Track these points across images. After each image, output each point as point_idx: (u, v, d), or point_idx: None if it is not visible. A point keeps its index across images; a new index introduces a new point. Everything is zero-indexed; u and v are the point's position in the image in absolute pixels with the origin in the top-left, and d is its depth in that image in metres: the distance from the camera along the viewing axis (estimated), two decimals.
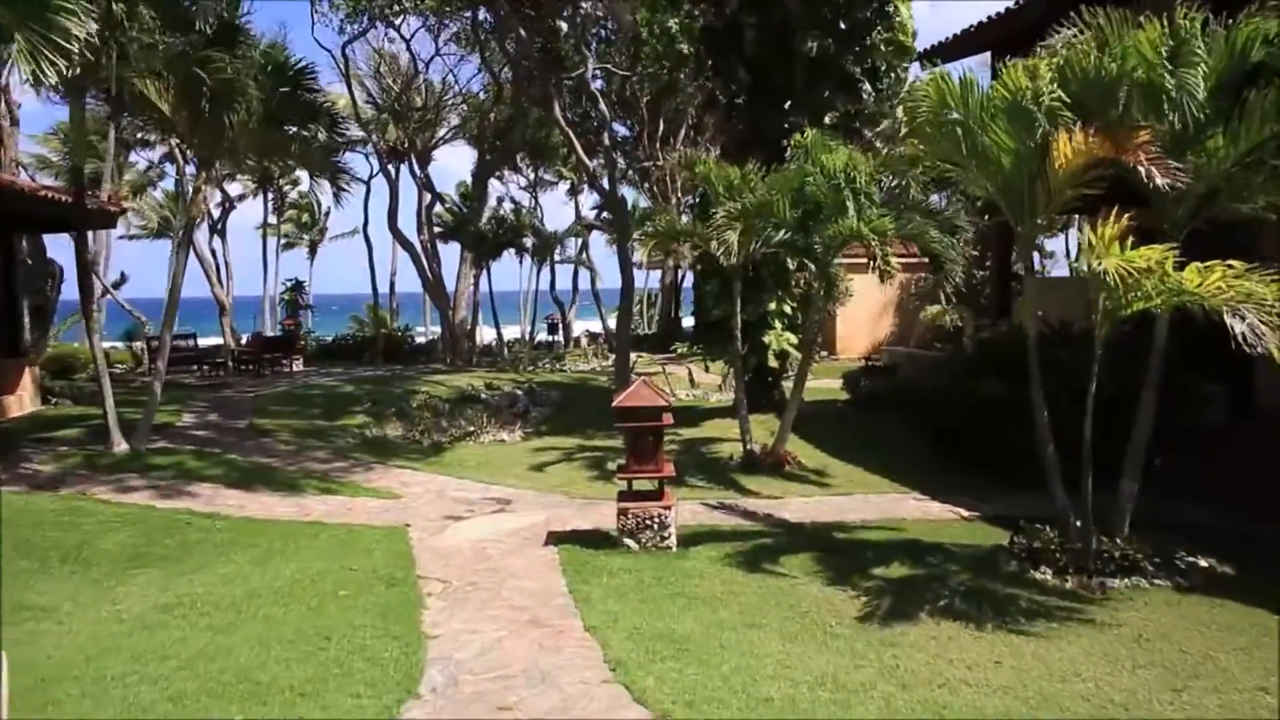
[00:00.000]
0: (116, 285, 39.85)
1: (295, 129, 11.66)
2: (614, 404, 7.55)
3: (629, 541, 7.67)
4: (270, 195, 40.08)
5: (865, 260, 10.68)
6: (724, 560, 7.50)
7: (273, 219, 43.09)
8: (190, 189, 12.37)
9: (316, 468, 11.10)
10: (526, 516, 9.07)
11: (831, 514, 9.30)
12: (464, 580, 7.05)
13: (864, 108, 14.21)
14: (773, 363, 14.75)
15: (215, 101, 9.84)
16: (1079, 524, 7.10)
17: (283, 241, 47.20)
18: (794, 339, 15.15)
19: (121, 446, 11.09)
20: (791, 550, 7.84)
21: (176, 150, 28.57)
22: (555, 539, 8.14)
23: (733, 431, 13.65)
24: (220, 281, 24.26)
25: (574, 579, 7.01)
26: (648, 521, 7.65)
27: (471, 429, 14.15)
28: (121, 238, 43.92)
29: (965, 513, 9.24)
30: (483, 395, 16.50)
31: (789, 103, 14.23)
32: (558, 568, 7.31)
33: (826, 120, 13.91)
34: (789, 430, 11.26)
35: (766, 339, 14.40)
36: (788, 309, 14.68)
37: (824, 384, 17.46)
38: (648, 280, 42.04)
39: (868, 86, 14.22)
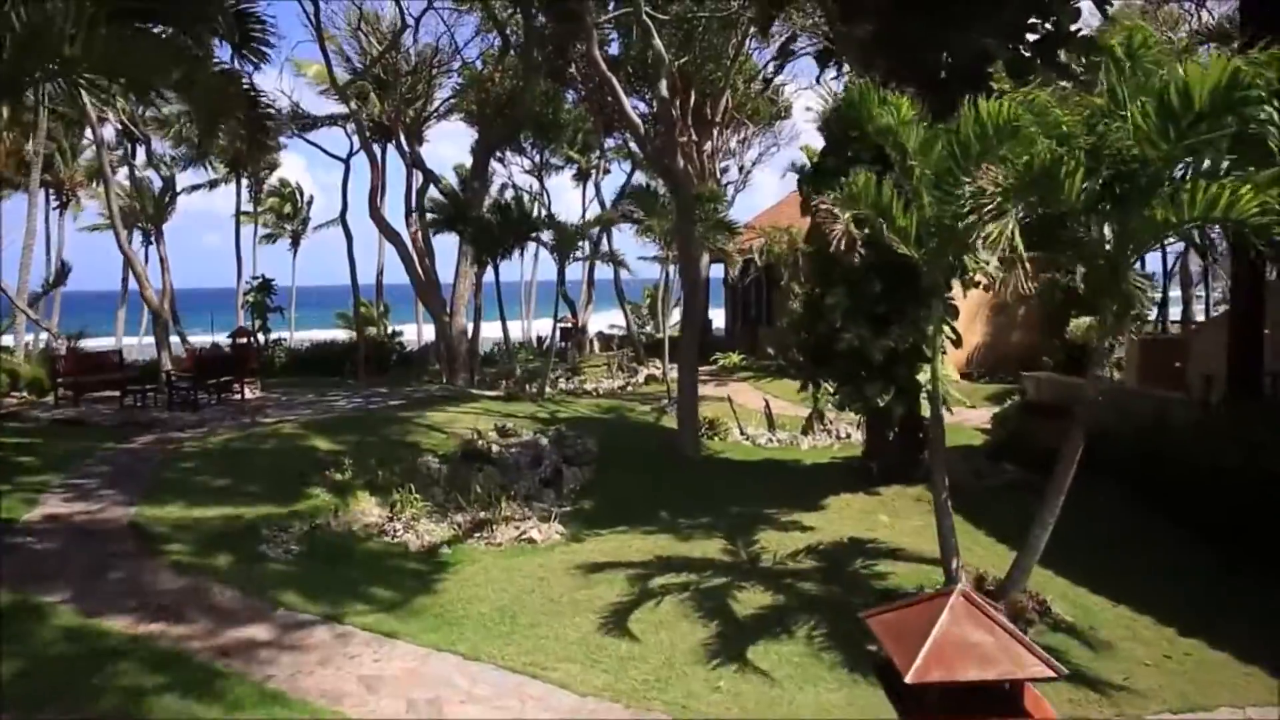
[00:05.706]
0: (60, 277, 34.80)
1: (164, 30, 6.76)
2: (909, 679, 2.77)
3: None
4: (248, 182, 35.55)
5: None
6: None
7: (248, 207, 38.49)
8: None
9: (207, 642, 6.13)
10: None
11: None
12: None
13: (1079, 28, 9.35)
14: (926, 410, 10.01)
15: None
16: None
17: (262, 233, 42.53)
18: (953, 374, 10.44)
19: None
20: None
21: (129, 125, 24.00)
22: None
23: (878, 522, 8.97)
24: (151, 282, 19.32)
25: None
26: None
27: (484, 515, 9.43)
28: (83, 229, 39.25)
29: None
30: (494, 450, 11.69)
31: (955, 23, 9.43)
32: None
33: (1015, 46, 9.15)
34: (1035, 558, 6.50)
35: (922, 376, 9.67)
36: (950, 331, 9.93)
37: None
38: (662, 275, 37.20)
39: None
